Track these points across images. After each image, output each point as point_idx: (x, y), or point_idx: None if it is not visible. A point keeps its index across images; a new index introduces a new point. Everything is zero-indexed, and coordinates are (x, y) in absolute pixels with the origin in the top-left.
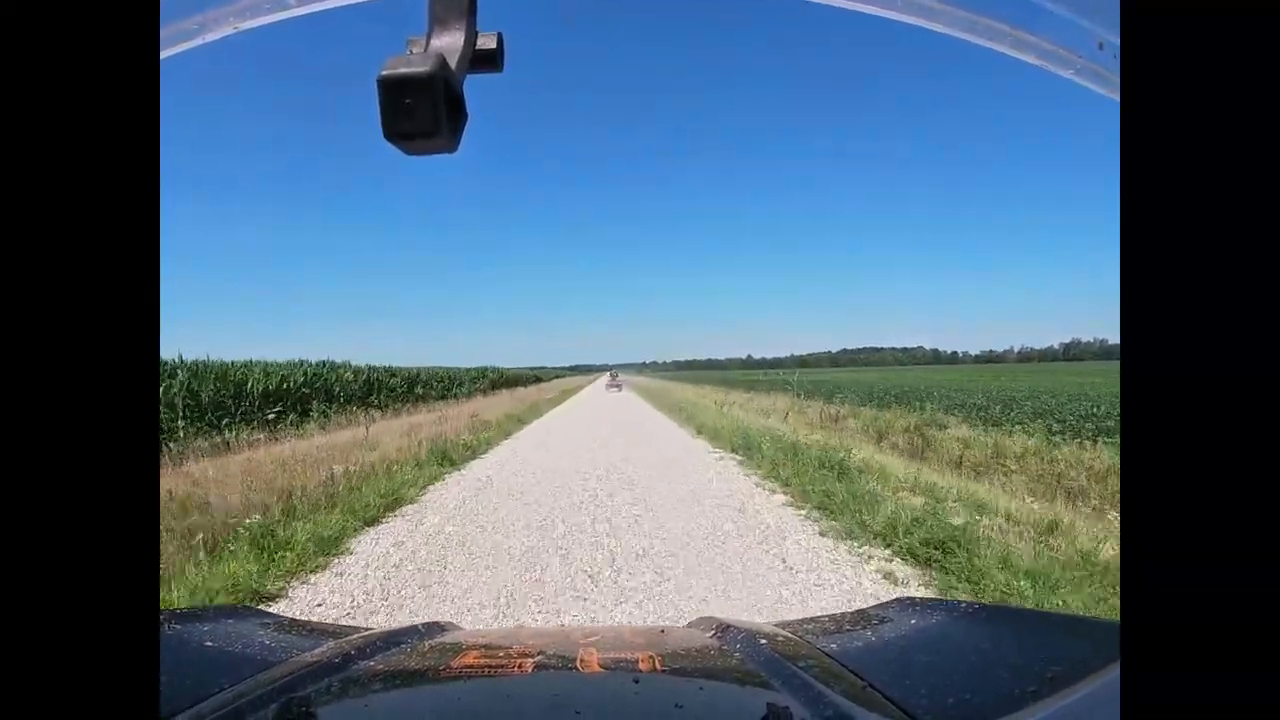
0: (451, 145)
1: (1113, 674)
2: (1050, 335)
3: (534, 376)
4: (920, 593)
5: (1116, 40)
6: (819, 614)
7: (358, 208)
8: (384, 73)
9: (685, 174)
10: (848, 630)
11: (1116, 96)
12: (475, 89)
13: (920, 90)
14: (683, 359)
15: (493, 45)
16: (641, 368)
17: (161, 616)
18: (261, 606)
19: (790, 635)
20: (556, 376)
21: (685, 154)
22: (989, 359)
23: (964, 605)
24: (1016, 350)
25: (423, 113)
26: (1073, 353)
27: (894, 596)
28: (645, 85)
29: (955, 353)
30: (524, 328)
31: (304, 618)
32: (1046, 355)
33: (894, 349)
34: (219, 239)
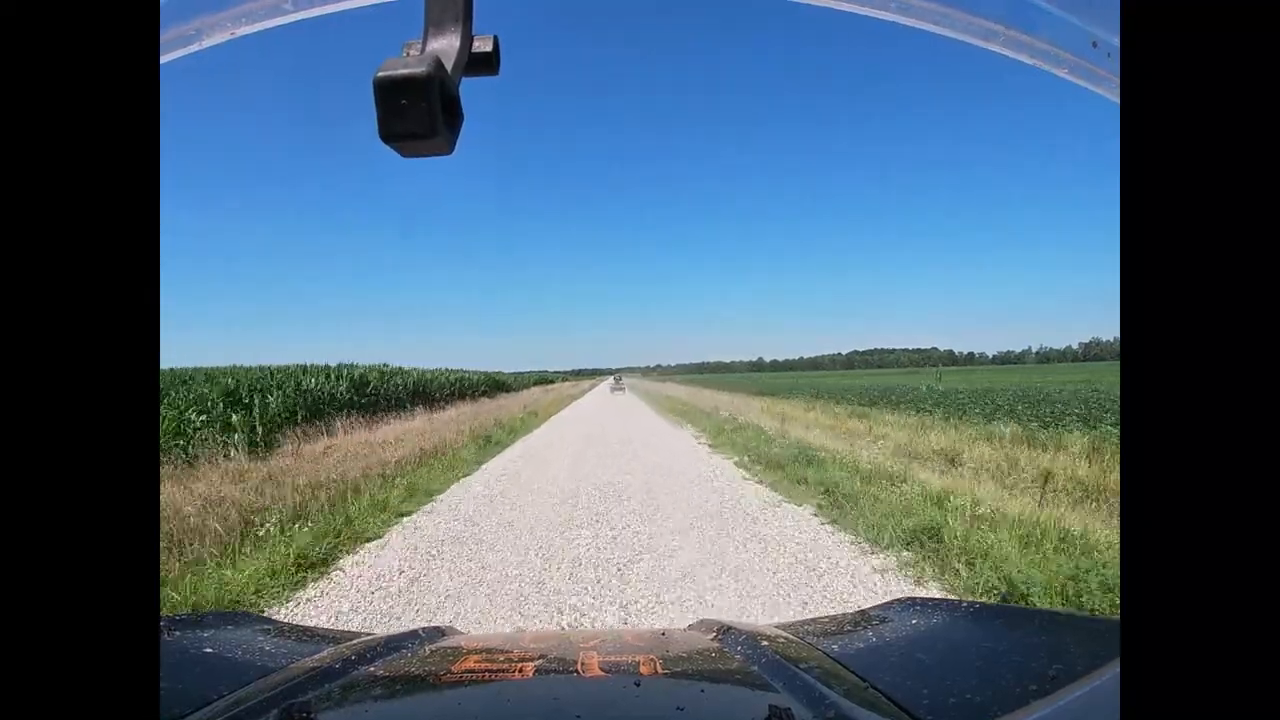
0: (447, 147)
1: (1113, 672)
2: (1068, 335)
3: (491, 383)
4: None
5: (1110, 39)
6: (820, 615)
7: (356, 209)
8: (380, 74)
9: (690, 176)
10: (849, 631)
11: (1110, 95)
12: (479, 91)
13: (921, 90)
14: (689, 362)
15: (489, 48)
16: (647, 371)
17: (162, 623)
18: None
19: (791, 637)
20: (540, 382)
21: (691, 156)
22: (1007, 360)
23: (965, 605)
24: (1035, 350)
25: (418, 114)
26: (1092, 352)
27: (894, 598)
28: (648, 88)
29: (972, 354)
30: (530, 331)
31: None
32: (1066, 355)
33: (907, 350)
34: (218, 240)
